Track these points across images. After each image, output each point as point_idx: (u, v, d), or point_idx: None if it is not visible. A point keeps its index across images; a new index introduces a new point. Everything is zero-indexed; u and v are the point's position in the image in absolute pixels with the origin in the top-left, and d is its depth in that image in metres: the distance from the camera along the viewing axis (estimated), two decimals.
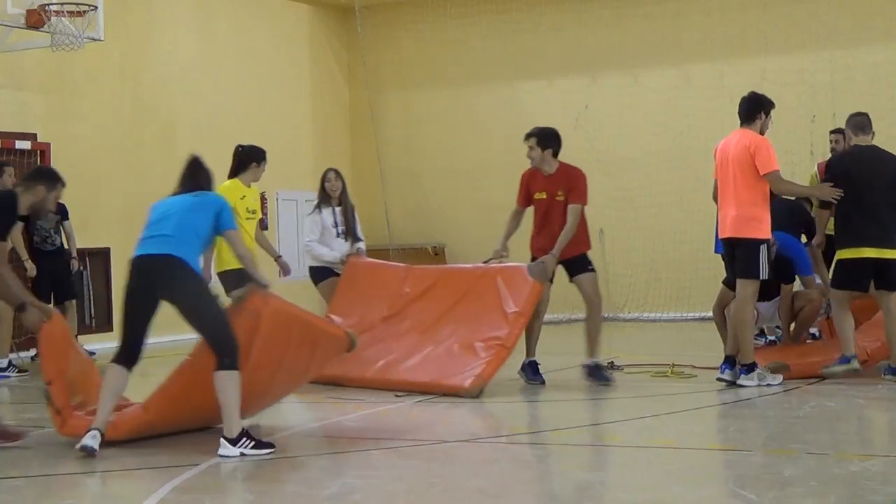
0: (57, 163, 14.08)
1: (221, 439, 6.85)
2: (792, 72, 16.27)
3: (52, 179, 7.82)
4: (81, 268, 14.18)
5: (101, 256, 14.93)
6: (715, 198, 9.74)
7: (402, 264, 11.21)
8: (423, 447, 7.12)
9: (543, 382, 9.73)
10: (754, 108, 9.41)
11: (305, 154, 18.51)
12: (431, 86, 18.82)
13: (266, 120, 17.66)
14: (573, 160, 18.44)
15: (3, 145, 13.74)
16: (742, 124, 9.44)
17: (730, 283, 10.17)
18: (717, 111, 16.64)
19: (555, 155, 9.99)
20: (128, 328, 7.47)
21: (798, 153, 16.21)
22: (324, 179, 11.15)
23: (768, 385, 9.13)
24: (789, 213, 10.76)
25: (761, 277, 9.21)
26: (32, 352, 13.89)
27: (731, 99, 16.54)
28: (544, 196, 9.88)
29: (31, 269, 12.73)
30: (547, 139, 10.00)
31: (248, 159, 10.59)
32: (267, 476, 6.51)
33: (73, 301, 13.69)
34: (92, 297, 14.70)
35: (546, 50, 17.86)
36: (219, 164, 17.98)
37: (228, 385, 6.88)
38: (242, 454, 6.77)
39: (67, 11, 12.67)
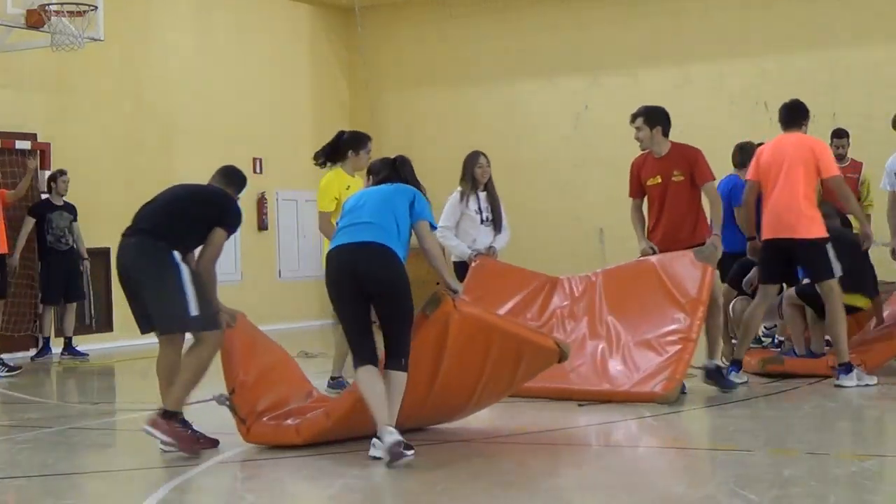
0: (57, 163, 14.10)
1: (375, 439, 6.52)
2: (792, 72, 16.26)
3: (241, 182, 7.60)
4: (82, 268, 14.21)
5: (100, 256, 14.89)
6: (748, 200, 9.56)
7: (538, 272, 9.91)
8: (423, 447, 7.11)
9: (734, 386, 8.94)
10: (801, 114, 9.46)
11: (305, 154, 18.37)
12: (431, 86, 18.81)
13: (266, 120, 17.67)
14: (573, 160, 18.57)
15: (3, 145, 13.74)
16: (789, 128, 9.40)
17: (732, 282, 10.18)
18: (717, 111, 16.68)
19: (665, 134, 9.37)
20: (352, 326, 6.77)
21: None
22: (473, 164, 10.21)
23: (866, 385, 8.96)
24: None
25: (837, 275, 9.10)
26: (32, 351, 13.92)
27: (731, 99, 16.75)
28: (659, 180, 9.23)
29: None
30: (655, 117, 9.40)
31: (344, 147, 9.75)
32: (267, 476, 6.51)
33: (75, 302, 13.74)
34: (92, 298, 14.69)
35: (546, 50, 17.85)
36: (218, 163, 18.00)
37: (401, 385, 6.54)
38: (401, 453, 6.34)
39: (67, 11, 12.67)
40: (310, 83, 18.73)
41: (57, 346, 13.75)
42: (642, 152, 9.47)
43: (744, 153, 11.27)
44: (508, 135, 18.09)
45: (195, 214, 7.12)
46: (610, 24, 17.45)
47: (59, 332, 13.68)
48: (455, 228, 9.89)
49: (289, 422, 6.99)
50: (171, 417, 6.92)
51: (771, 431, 7.54)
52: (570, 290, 9.51)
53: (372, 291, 6.65)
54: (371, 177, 7.34)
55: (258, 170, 17.39)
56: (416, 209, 6.86)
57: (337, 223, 7.21)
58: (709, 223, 9.17)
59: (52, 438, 7.74)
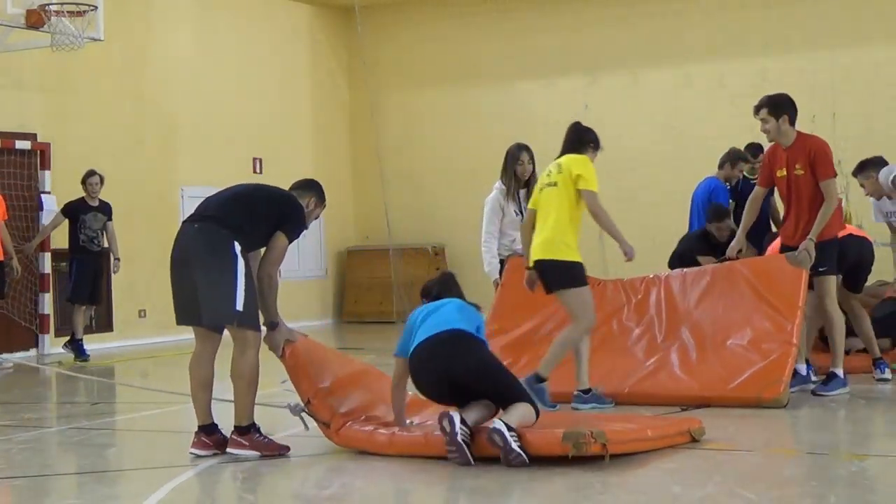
0: (57, 163, 14.11)
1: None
2: (792, 72, 16.26)
3: (322, 194, 7.54)
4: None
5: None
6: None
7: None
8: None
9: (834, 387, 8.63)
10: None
11: (305, 154, 18.51)
12: (431, 86, 18.81)
13: (266, 120, 17.68)
14: None
15: (3, 145, 13.74)
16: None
17: None
18: (717, 111, 16.68)
19: (791, 123, 8.84)
20: None
21: None
22: (515, 161, 9.71)
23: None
24: None
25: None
26: (32, 352, 13.93)
27: (731, 99, 16.73)
28: (784, 173, 8.80)
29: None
30: (780, 106, 8.88)
31: (587, 139, 9.23)
32: (267, 476, 6.50)
33: (94, 305, 13.75)
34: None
35: (546, 50, 17.86)
36: (218, 163, 18.10)
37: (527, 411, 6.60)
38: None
39: (67, 11, 12.67)
40: (310, 83, 18.73)
41: (56, 347, 13.76)
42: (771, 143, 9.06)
43: (728, 155, 11.56)
44: (508, 135, 18.02)
45: (262, 212, 6.97)
46: (610, 24, 17.45)
47: (68, 330, 13.65)
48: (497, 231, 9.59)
49: (382, 431, 6.83)
50: (246, 431, 6.84)
51: (771, 431, 7.53)
52: (623, 291, 9.50)
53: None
54: (425, 299, 7.20)
55: (258, 170, 17.39)
56: (480, 335, 6.88)
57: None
58: (842, 219, 8.99)
59: (52, 438, 7.74)
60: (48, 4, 12.63)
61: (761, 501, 5.49)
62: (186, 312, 6.86)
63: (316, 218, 7.49)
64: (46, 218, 13.83)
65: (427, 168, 18.47)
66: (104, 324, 14.76)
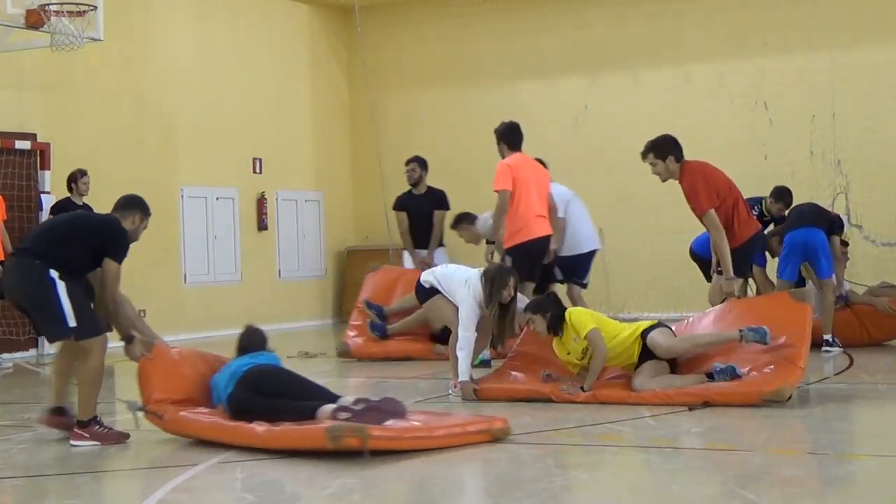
0: (57, 163, 14.11)
1: None
2: (792, 72, 16.27)
3: (145, 208, 8.21)
4: None
5: None
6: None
7: None
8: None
9: None
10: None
11: (305, 154, 18.52)
12: (431, 86, 18.81)
13: (266, 120, 17.68)
14: (573, 160, 18.56)
15: (3, 145, 13.74)
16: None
17: None
18: (717, 111, 16.69)
19: (678, 161, 9.27)
20: None
21: (798, 153, 16.23)
22: (502, 285, 8.92)
23: None
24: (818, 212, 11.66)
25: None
26: (32, 352, 13.93)
27: (731, 99, 16.74)
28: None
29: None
30: (664, 147, 9.23)
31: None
32: (267, 476, 6.51)
33: None
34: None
35: (546, 50, 17.86)
36: (218, 163, 18.11)
37: None
38: None
39: (67, 11, 12.67)
40: (310, 83, 18.73)
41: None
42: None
43: None
44: None
45: (78, 243, 7.60)
46: (610, 24, 17.46)
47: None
48: None
49: (216, 419, 7.35)
50: (87, 425, 7.51)
51: (771, 431, 7.53)
52: None
53: None
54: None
55: (258, 170, 17.41)
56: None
57: None
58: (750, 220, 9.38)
59: (52, 438, 7.74)
60: (48, 4, 12.62)
61: (761, 501, 5.49)
62: (38, 330, 7.83)
63: (145, 229, 8.33)
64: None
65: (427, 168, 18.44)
66: (104, 324, 14.73)
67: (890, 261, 15.86)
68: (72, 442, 7.46)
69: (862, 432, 7.73)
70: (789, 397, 8.08)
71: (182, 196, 16.21)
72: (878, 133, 15.77)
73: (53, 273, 7.39)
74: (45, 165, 14.10)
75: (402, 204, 13.43)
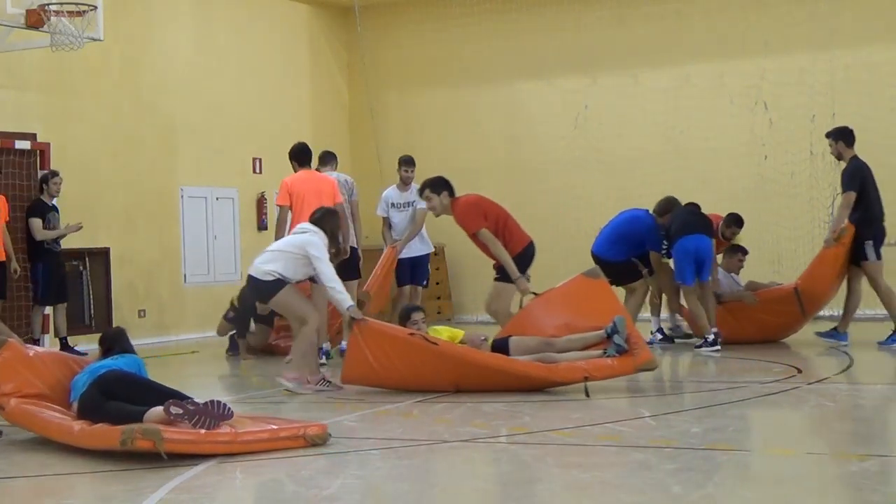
0: (57, 163, 14.10)
1: None
2: (792, 72, 16.27)
3: None
4: (82, 268, 14.24)
5: (100, 256, 14.92)
6: None
7: None
8: (423, 447, 7.12)
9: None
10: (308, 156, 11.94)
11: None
12: (431, 86, 18.81)
13: (265, 120, 17.68)
14: (573, 160, 18.55)
15: (3, 145, 13.73)
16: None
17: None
18: (717, 111, 16.69)
19: (451, 195, 10.45)
20: None
21: (798, 153, 16.24)
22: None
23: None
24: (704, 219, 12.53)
25: None
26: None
27: (731, 99, 16.74)
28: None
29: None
30: (437, 185, 10.45)
31: None
32: (267, 476, 6.51)
33: (65, 303, 13.75)
34: (92, 298, 14.69)
35: (546, 50, 17.85)
36: (218, 163, 18.09)
37: None
38: None
39: (67, 11, 12.67)
40: (310, 83, 18.73)
41: (55, 347, 13.74)
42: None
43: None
44: (508, 135, 18.10)
45: None
46: (610, 24, 17.46)
47: (56, 332, 13.68)
48: None
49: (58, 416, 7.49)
50: None
51: (771, 431, 7.53)
52: None
53: None
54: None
55: (258, 170, 17.40)
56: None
57: None
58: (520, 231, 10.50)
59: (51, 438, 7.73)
60: (48, 4, 12.62)
61: (761, 501, 5.49)
62: None
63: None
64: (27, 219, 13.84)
65: (427, 168, 18.39)
66: (104, 324, 14.74)
67: (890, 261, 15.83)
68: None
69: (862, 432, 7.72)
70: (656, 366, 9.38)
71: (182, 196, 16.21)
72: (878, 133, 15.76)
73: None
74: (45, 165, 14.09)
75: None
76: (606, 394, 9.29)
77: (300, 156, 12.13)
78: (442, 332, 9.73)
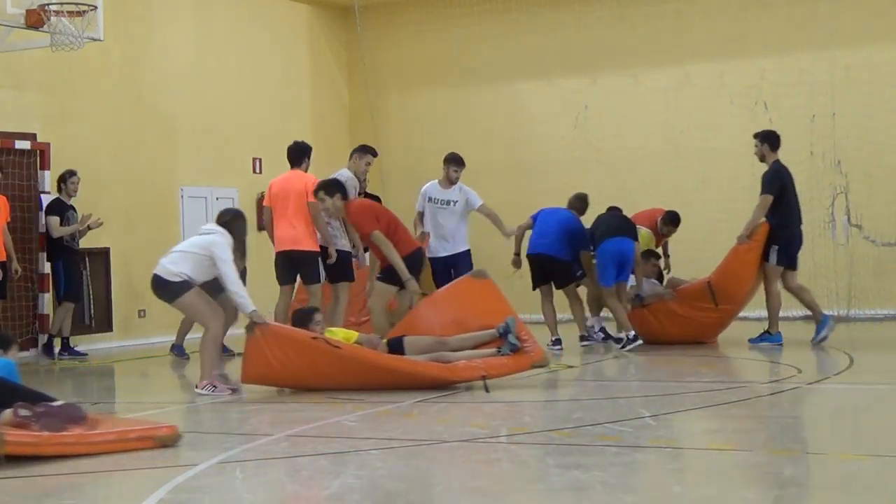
0: (57, 163, 14.10)
1: None
2: (792, 72, 16.27)
3: None
4: (83, 268, 14.26)
5: (100, 256, 14.91)
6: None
7: None
8: (423, 447, 7.12)
9: None
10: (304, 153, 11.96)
11: None
12: (431, 86, 18.81)
13: (266, 120, 17.67)
14: (573, 160, 18.54)
15: (3, 145, 13.73)
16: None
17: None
18: (717, 111, 16.69)
19: (344, 199, 10.92)
20: None
21: (798, 153, 16.21)
22: None
23: None
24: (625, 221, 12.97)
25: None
26: (32, 352, 13.93)
27: (731, 99, 16.75)
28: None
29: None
30: (332, 187, 10.99)
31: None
32: (267, 476, 6.51)
33: (77, 303, 13.78)
34: (92, 298, 14.69)
35: (546, 50, 17.85)
36: (218, 163, 18.06)
37: None
38: None
39: (67, 11, 12.67)
40: (310, 83, 18.73)
41: (56, 347, 13.75)
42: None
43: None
44: (508, 135, 18.09)
45: None
46: (610, 24, 17.45)
47: (59, 332, 13.69)
48: None
49: None
50: None
51: (771, 431, 7.54)
52: None
53: None
54: None
55: (258, 170, 17.39)
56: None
57: None
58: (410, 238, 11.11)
59: None
60: (48, 4, 12.62)
61: (761, 501, 5.49)
62: None
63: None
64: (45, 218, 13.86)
65: (427, 168, 18.39)
66: (104, 324, 14.74)
67: (890, 261, 15.86)
68: None
69: (862, 432, 7.73)
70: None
71: (182, 196, 16.20)
72: (878, 133, 15.77)
73: None
74: (45, 165, 14.09)
75: None
76: (607, 394, 9.30)
77: (290, 155, 12.13)
78: (337, 334, 9.87)
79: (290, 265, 11.58)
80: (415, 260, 10.82)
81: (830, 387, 9.28)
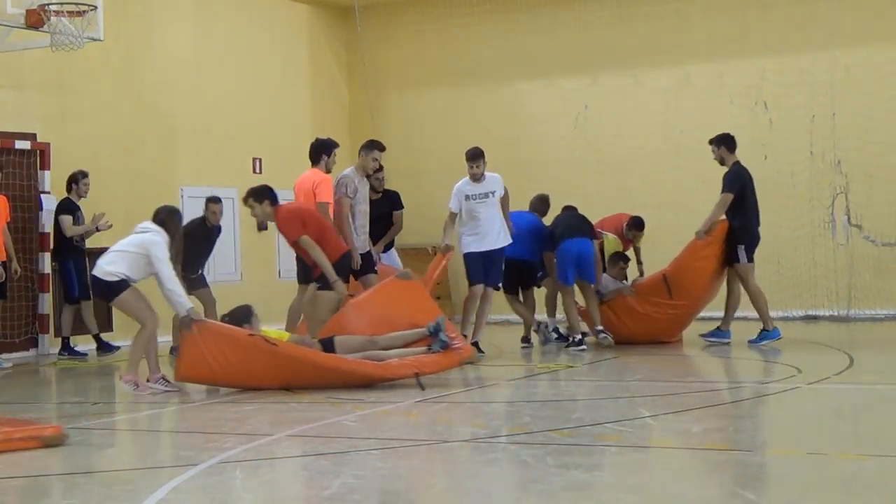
0: (57, 163, 14.11)
1: None
2: (792, 72, 16.28)
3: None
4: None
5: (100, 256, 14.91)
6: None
7: None
8: (423, 447, 7.12)
9: None
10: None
11: (305, 154, 18.44)
12: (431, 86, 18.81)
13: (265, 120, 17.68)
14: (573, 160, 18.54)
15: (3, 145, 13.74)
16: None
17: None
18: (717, 111, 16.69)
19: (272, 205, 11.06)
20: None
21: (798, 153, 16.24)
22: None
23: None
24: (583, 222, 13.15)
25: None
26: (32, 352, 13.94)
27: (731, 99, 16.76)
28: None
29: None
30: (260, 194, 11.08)
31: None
32: (267, 476, 6.51)
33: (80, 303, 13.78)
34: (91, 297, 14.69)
35: (546, 50, 17.86)
36: (218, 163, 18.09)
37: None
38: None
39: (67, 11, 12.67)
40: (310, 83, 18.73)
41: (56, 346, 13.76)
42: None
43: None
44: (508, 135, 18.09)
45: None
46: (610, 24, 17.46)
47: (57, 331, 13.69)
48: None
49: None
50: None
51: (771, 431, 7.53)
52: None
53: None
54: None
55: (258, 170, 17.40)
56: None
57: None
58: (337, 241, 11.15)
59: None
60: (48, 4, 12.62)
61: (761, 501, 5.49)
62: None
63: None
64: (46, 218, 13.86)
65: (427, 168, 18.45)
66: (104, 324, 14.74)
67: (890, 261, 15.87)
68: None
69: (861, 432, 7.73)
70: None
71: (182, 196, 16.21)
72: (878, 133, 15.78)
73: None
74: (45, 165, 14.11)
75: None
76: (607, 394, 9.30)
77: (309, 153, 12.18)
78: (270, 333, 10.00)
79: (303, 264, 11.59)
80: (343, 263, 10.93)
81: (830, 387, 9.28)
